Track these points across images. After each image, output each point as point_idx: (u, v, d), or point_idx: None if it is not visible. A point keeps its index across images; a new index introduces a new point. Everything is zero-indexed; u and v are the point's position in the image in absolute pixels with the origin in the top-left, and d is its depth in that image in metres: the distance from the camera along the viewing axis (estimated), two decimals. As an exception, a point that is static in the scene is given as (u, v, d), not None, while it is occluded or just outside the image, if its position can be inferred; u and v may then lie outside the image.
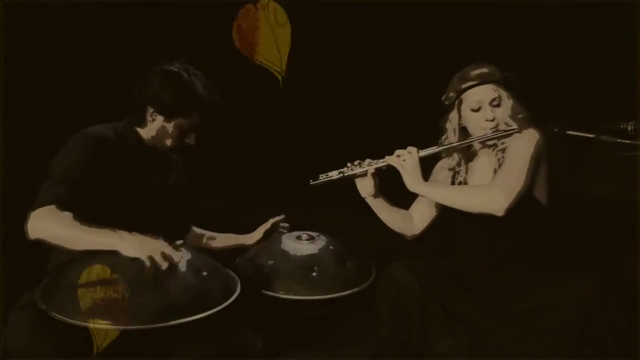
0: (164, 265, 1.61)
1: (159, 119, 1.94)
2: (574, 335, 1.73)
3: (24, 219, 1.73)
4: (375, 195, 2.11)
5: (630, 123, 1.81)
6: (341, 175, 2.08)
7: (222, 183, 2.86)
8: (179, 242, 1.75)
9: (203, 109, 1.96)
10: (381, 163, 2.05)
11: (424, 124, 2.19)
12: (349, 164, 2.10)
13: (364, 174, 2.08)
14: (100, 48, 2.70)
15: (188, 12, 2.96)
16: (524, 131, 1.96)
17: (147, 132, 1.98)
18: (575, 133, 1.92)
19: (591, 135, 1.88)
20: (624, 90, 2.65)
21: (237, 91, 2.97)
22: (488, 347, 1.80)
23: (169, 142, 1.99)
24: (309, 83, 3.18)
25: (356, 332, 2.09)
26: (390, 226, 2.16)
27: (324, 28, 3.04)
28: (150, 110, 1.94)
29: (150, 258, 1.61)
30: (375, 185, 2.10)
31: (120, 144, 1.93)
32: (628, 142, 1.81)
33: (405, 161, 1.99)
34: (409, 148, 2.02)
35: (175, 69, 1.94)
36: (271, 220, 2.34)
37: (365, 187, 2.11)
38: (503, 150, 2.00)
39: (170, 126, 1.95)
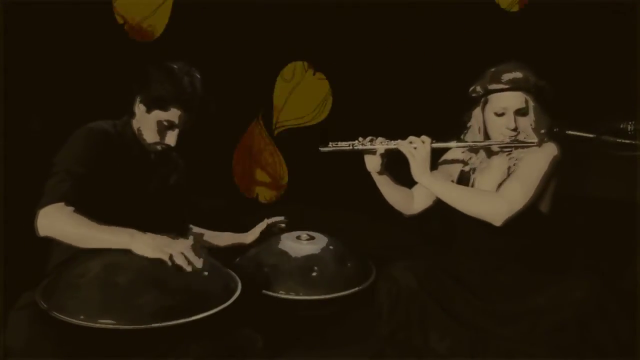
0: (188, 268, 1.61)
1: (142, 109, 1.92)
2: (573, 336, 1.73)
3: (24, 218, 1.73)
4: (380, 172, 2.09)
5: (630, 123, 1.81)
6: (350, 147, 2.06)
7: (222, 183, 2.87)
8: (200, 245, 1.72)
9: (182, 106, 1.89)
10: (392, 145, 2.02)
11: (447, 114, 2.16)
12: (360, 138, 2.07)
13: (373, 152, 2.07)
14: (100, 48, 2.70)
15: (188, 12, 2.97)
16: (543, 145, 1.92)
17: (135, 124, 1.96)
18: (575, 133, 1.91)
19: (591, 135, 1.87)
20: (624, 90, 2.66)
21: (237, 91, 2.98)
22: (488, 347, 1.79)
23: (148, 136, 1.93)
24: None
25: (356, 332, 2.09)
26: (390, 202, 2.14)
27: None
28: (137, 99, 1.93)
29: (171, 258, 1.60)
30: (382, 164, 2.07)
31: (120, 139, 1.92)
32: (628, 142, 1.81)
33: (417, 149, 1.94)
34: (423, 137, 1.96)
35: (173, 66, 1.93)
36: (266, 221, 2.34)
37: (372, 163, 2.08)
38: (517, 159, 1.95)
39: (149, 118, 1.91)
